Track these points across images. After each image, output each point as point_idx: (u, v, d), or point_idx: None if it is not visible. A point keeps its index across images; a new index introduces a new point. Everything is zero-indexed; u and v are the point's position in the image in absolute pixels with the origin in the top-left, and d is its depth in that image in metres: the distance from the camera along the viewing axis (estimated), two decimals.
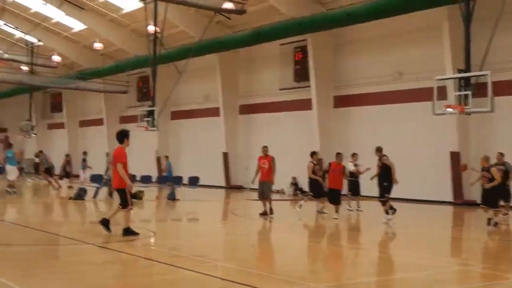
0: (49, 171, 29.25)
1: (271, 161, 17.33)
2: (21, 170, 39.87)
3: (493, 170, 14.81)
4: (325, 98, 28.83)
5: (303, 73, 29.95)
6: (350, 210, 19.42)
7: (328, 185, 17.71)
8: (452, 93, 19.79)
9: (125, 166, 11.87)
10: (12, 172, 24.18)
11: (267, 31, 28.53)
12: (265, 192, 17.00)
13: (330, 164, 17.97)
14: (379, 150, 16.75)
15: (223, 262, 9.99)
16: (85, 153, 31.26)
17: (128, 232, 11.68)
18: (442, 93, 20.12)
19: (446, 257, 11.34)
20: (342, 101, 28.83)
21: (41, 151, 33.27)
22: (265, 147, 17.64)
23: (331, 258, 11.01)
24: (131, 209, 11.91)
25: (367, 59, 27.71)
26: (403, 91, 26.13)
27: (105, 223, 11.82)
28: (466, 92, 18.62)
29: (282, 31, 28.17)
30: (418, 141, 25.43)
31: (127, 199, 11.78)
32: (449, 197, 23.66)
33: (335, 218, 16.62)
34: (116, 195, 21.22)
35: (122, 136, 12.42)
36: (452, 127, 23.34)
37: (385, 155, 16.22)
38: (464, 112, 19.13)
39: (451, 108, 18.97)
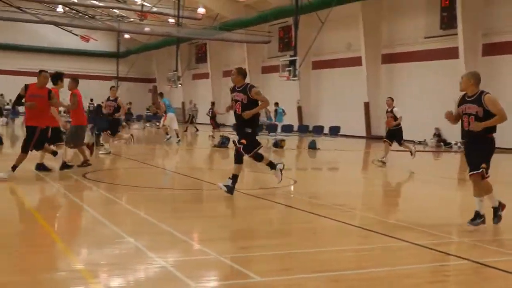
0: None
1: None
2: None
3: None
4: (473, 46, 27.48)
5: (450, 20, 28.68)
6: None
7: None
8: None
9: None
10: (173, 119, 24.74)
11: None
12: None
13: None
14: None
15: (362, 211, 9.94)
16: None
17: (42, 167, 12.55)
18: None
19: None
20: (492, 49, 27.34)
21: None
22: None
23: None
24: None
25: None
26: None
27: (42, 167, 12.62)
28: None
29: None
30: None
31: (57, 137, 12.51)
32: None
33: None
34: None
35: (56, 78, 12.81)
36: None
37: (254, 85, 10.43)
38: None
39: None
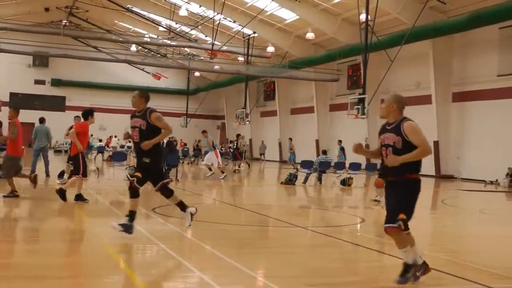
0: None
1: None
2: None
3: None
4: None
5: None
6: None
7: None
8: None
9: (79, 138, 12.98)
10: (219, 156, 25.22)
11: (486, 15, 27.06)
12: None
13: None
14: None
15: (431, 251, 9.71)
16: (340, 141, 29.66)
17: (78, 198, 12.82)
18: None
19: None
20: None
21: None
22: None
23: None
24: (84, 178, 12.98)
25: None
26: None
27: (62, 193, 12.67)
28: None
29: (503, 14, 26.53)
30: None
31: (79, 167, 12.81)
32: None
33: None
34: (325, 180, 21.65)
35: (87, 114, 13.47)
36: None
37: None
38: None
39: None
